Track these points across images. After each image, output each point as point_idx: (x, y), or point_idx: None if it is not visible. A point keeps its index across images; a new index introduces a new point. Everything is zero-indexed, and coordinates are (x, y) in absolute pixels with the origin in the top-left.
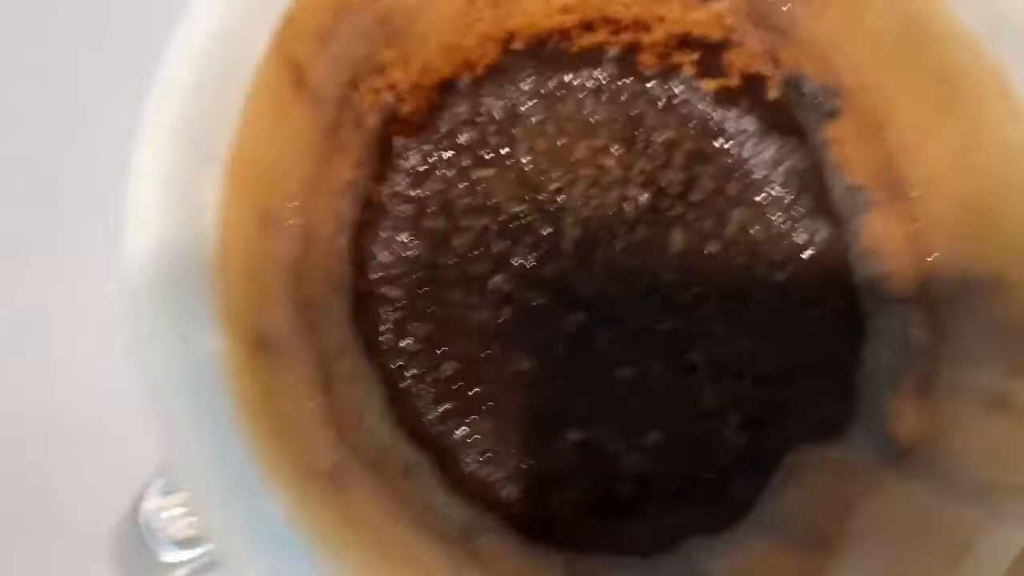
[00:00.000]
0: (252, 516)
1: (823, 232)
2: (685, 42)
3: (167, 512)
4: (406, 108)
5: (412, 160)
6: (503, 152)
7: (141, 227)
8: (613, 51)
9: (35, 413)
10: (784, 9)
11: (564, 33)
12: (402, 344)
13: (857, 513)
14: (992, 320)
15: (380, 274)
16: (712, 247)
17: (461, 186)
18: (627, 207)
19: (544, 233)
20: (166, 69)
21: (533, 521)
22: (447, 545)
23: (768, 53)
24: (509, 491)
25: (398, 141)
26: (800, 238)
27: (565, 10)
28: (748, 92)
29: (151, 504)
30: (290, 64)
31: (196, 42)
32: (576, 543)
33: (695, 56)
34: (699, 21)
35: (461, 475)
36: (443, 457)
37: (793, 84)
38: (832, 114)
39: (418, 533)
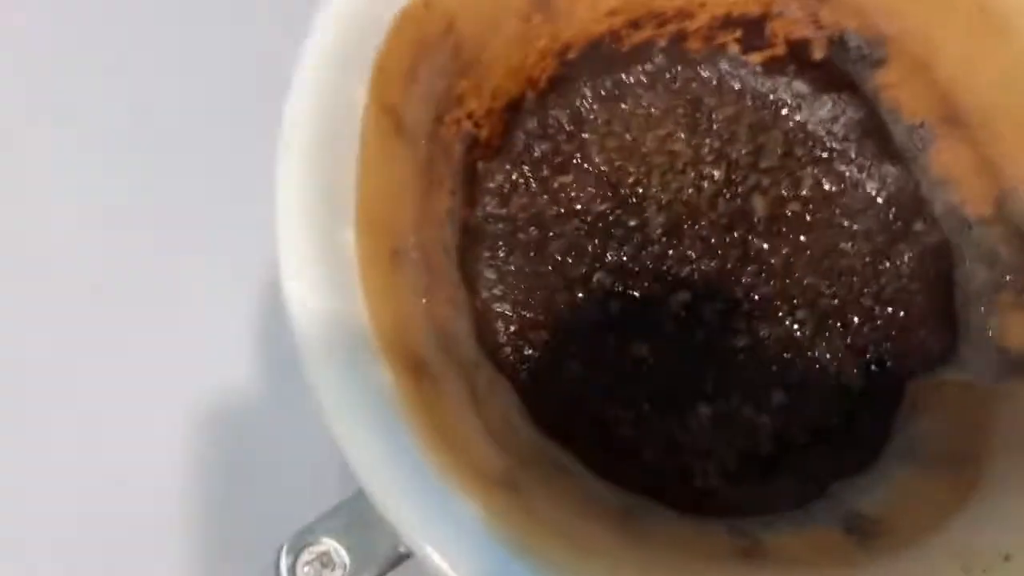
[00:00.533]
0: (452, 520)
1: (892, 173)
2: (728, 22)
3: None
4: (484, 133)
5: (497, 180)
6: (577, 157)
7: (297, 278)
8: (661, 43)
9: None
10: None
11: (615, 34)
12: (525, 352)
13: (993, 427)
14: None
15: (490, 292)
16: (792, 207)
17: (545, 196)
18: (705, 185)
19: (632, 225)
20: (286, 132)
21: (686, 497)
22: (616, 527)
23: (809, 17)
24: (655, 473)
25: (481, 165)
26: (872, 184)
27: (613, 13)
28: (795, 58)
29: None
30: (388, 110)
31: (306, 104)
32: (731, 509)
33: (738, 33)
34: (737, 1)
35: (607, 464)
36: (584, 450)
37: (837, 41)
38: (880, 63)
39: (588, 520)
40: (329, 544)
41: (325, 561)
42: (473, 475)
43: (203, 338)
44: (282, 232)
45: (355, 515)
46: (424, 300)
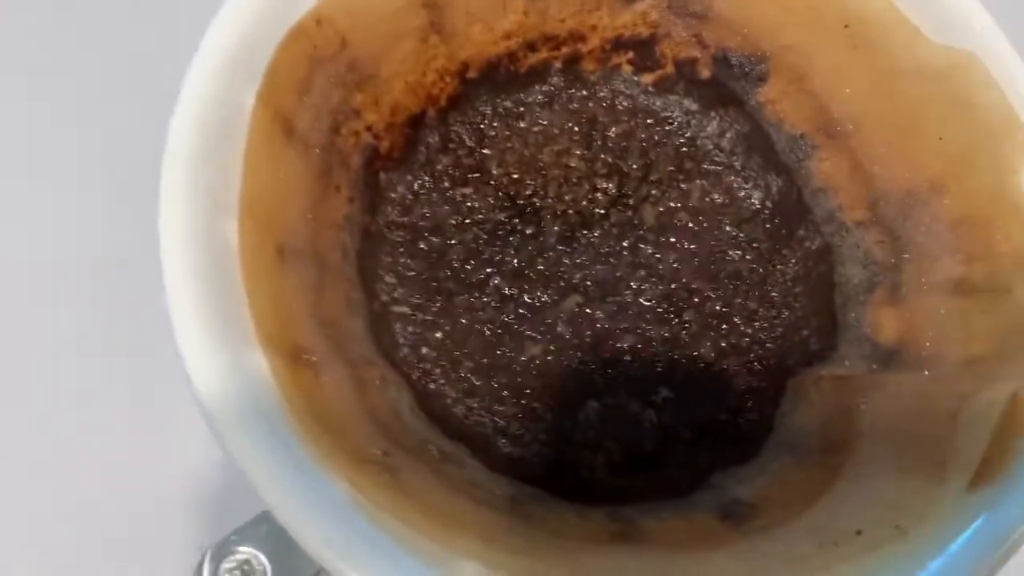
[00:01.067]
0: (314, 495)
1: (776, 183)
2: (620, 44)
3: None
4: (385, 145)
5: (399, 191)
6: (477, 170)
7: (178, 272)
8: (557, 64)
9: None
10: None
11: (512, 55)
12: (422, 352)
13: (861, 416)
14: (939, 221)
15: (389, 295)
16: (681, 217)
17: (446, 207)
18: (598, 196)
19: (528, 233)
20: (171, 141)
21: (571, 486)
22: (499, 512)
23: (693, 37)
24: (543, 465)
25: (383, 176)
26: (758, 194)
27: (508, 35)
28: (683, 76)
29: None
30: (278, 116)
31: (193, 112)
32: (614, 498)
33: (630, 55)
34: (627, 23)
35: (497, 457)
36: (477, 444)
37: (721, 60)
38: (762, 78)
39: (470, 504)
40: (249, 552)
41: (247, 569)
42: (346, 457)
43: None
44: (164, 225)
45: (277, 524)
46: (314, 296)
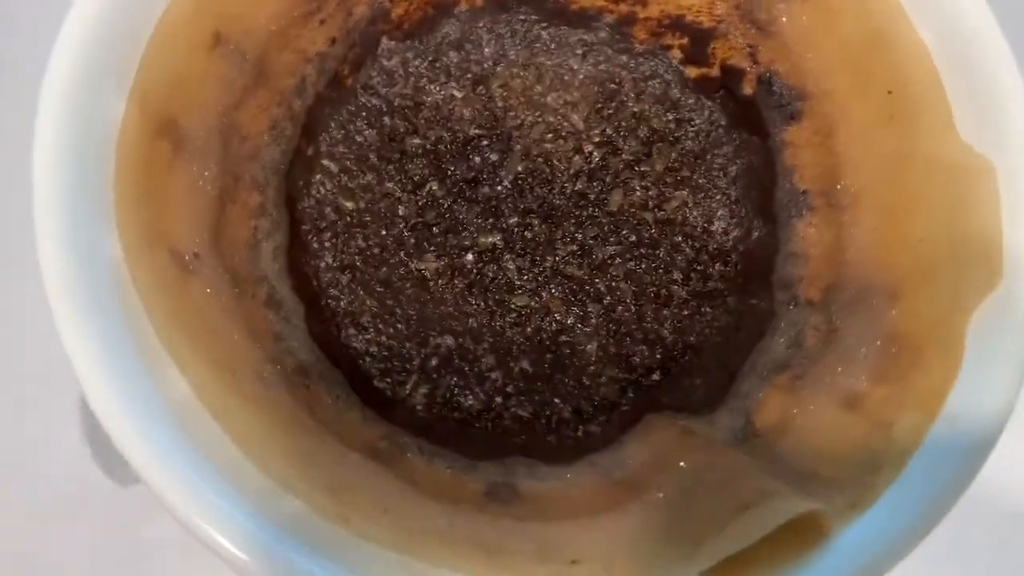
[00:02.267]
0: (140, 401)
1: (760, 230)
2: (678, 24)
3: None
4: (398, 11)
5: (393, 61)
6: (479, 81)
7: (50, 148)
8: (610, 18)
9: None
10: (772, 4)
11: None
12: (325, 212)
13: (675, 466)
14: (878, 330)
15: (327, 147)
16: (645, 216)
17: (429, 99)
18: (577, 159)
19: (491, 158)
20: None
21: (381, 397)
22: (349, 453)
23: (749, 48)
24: (373, 363)
25: (385, 41)
26: (736, 232)
27: None
28: (725, 84)
29: None
30: None
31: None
32: (412, 426)
33: (684, 40)
34: (692, 5)
35: (382, 400)
36: (356, 375)
37: (766, 82)
38: (795, 117)
39: (321, 442)
40: None
41: None
42: (201, 363)
43: None
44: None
45: None
46: (214, 206)
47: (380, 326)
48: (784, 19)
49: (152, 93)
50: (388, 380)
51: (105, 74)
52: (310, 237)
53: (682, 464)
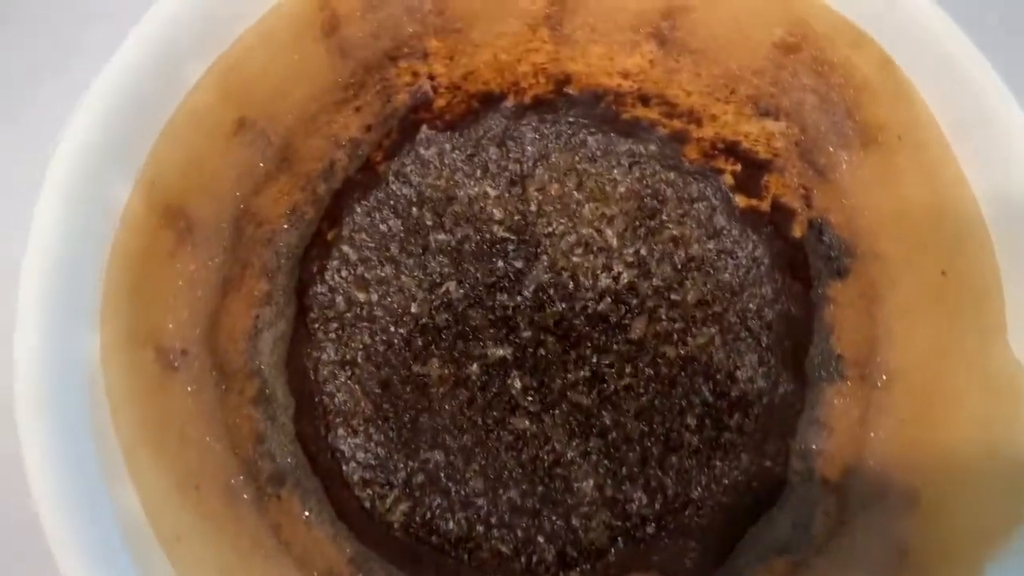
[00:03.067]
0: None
1: (786, 387)
2: (732, 150)
3: None
4: (440, 103)
5: (431, 151)
6: (516, 181)
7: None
8: (662, 132)
9: None
10: (831, 149)
11: (620, 97)
12: (337, 300)
13: None
14: (887, 536)
15: (348, 231)
16: (667, 351)
17: (462, 193)
18: (604, 278)
19: (515, 265)
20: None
21: (358, 510)
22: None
23: (803, 189)
24: (357, 469)
25: (424, 130)
26: (761, 383)
27: (626, 75)
28: (774, 221)
29: None
30: (326, 7)
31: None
32: (384, 549)
33: (737, 167)
34: (750, 134)
35: (348, 504)
36: (334, 483)
37: (817, 228)
38: (841, 273)
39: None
40: None
41: None
42: (166, 477)
43: None
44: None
45: None
46: (216, 293)
47: (371, 431)
48: (844, 167)
49: (161, 182)
50: (369, 491)
51: (112, 162)
52: (316, 326)
53: None
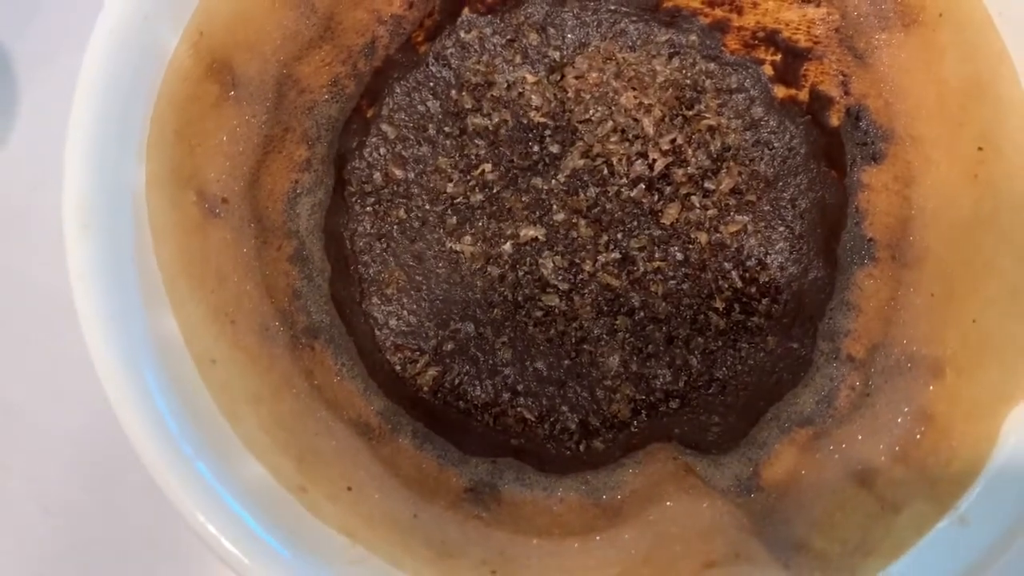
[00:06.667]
0: (126, 334)
1: (817, 273)
2: (773, 39)
3: None
4: None
5: (471, 34)
6: (555, 69)
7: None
8: (704, 21)
9: None
10: (871, 33)
11: None
12: (375, 176)
13: (662, 503)
14: (909, 404)
15: (388, 110)
16: (699, 236)
17: (501, 78)
18: (639, 165)
19: (551, 150)
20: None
21: (388, 372)
22: (342, 431)
23: (842, 76)
24: (389, 335)
25: (467, 13)
26: (792, 269)
27: None
28: (812, 111)
29: None
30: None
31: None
32: (413, 407)
33: (777, 57)
34: (790, 22)
35: (382, 368)
36: (366, 346)
37: (854, 115)
38: (876, 158)
39: (311, 412)
40: None
41: None
42: (200, 311)
43: None
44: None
45: None
46: (258, 147)
47: (404, 300)
48: (884, 51)
49: (208, 33)
50: (400, 356)
51: (165, 10)
52: (353, 200)
53: (669, 503)
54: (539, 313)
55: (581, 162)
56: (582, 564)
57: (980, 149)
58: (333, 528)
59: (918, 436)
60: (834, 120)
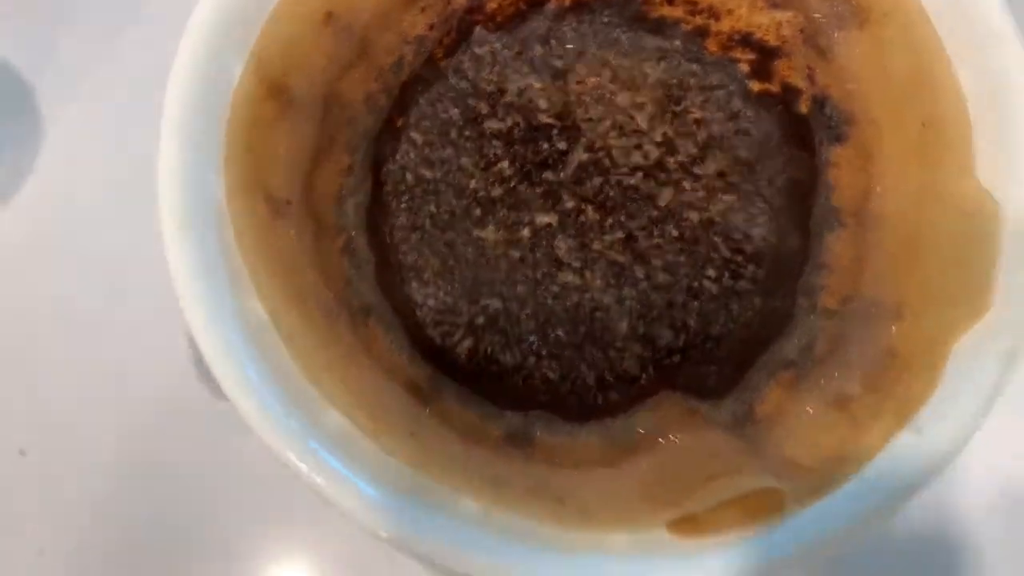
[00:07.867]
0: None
1: (794, 240)
2: (746, 41)
3: None
4: (492, 4)
5: (483, 49)
6: (558, 75)
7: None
8: (686, 28)
9: None
10: (830, 31)
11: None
12: (407, 177)
13: (669, 438)
14: (876, 343)
15: (415, 120)
16: (692, 215)
17: (512, 86)
18: (636, 156)
19: (559, 147)
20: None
21: (430, 345)
22: (402, 391)
23: (808, 70)
24: (428, 313)
25: (479, 30)
26: (772, 239)
27: None
28: (783, 101)
29: None
30: None
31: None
32: (454, 373)
33: (751, 56)
34: (761, 25)
35: (429, 342)
36: (410, 320)
37: (819, 103)
38: (840, 139)
39: (369, 371)
40: None
41: None
42: (278, 292)
43: None
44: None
45: None
46: (309, 157)
47: (439, 282)
48: (842, 46)
49: (267, 60)
50: (439, 330)
51: (229, 45)
52: (390, 198)
53: (676, 438)
54: (556, 288)
55: (586, 156)
56: (612, 483)
57: (923, 125)
58: (408, 467)
59: (883, 369)
60: (803, 108)
